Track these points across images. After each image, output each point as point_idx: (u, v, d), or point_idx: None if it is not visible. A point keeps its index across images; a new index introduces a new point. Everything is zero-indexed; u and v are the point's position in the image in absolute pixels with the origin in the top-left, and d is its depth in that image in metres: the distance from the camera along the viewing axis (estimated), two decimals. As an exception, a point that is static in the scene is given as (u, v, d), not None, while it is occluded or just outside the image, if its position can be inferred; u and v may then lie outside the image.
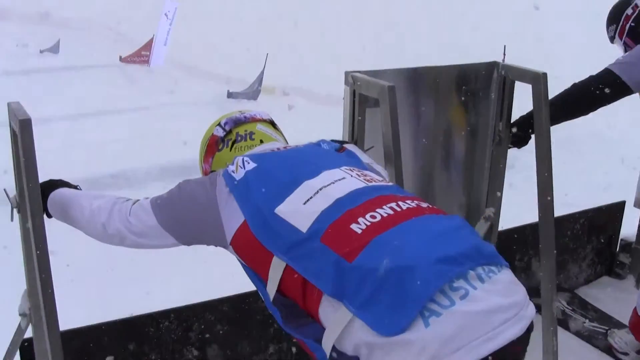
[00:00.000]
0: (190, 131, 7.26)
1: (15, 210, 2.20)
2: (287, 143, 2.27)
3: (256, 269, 1.78)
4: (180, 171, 6.19)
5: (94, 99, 15.31)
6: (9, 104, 2.21)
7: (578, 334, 3.58)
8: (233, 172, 1.84)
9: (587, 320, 3.62)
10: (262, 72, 12.57)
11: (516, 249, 3.74)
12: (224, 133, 2.17)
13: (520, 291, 1.60)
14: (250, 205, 1.75)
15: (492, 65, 3.12)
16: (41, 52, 25.13)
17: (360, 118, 2.78)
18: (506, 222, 3.64)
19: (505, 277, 1.59)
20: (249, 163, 1.85)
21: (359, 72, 2.79)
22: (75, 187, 2.26)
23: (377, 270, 1.50)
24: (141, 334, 2.86)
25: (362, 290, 1.50)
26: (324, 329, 1.59)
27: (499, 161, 3.21)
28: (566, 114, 3.07)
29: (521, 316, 1.53)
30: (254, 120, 2.21)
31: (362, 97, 2.75)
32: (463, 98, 3.11)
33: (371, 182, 1.82)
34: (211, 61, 16.50)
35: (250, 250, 1.76)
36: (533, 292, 3.58)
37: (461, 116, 3.15)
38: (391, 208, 1.67)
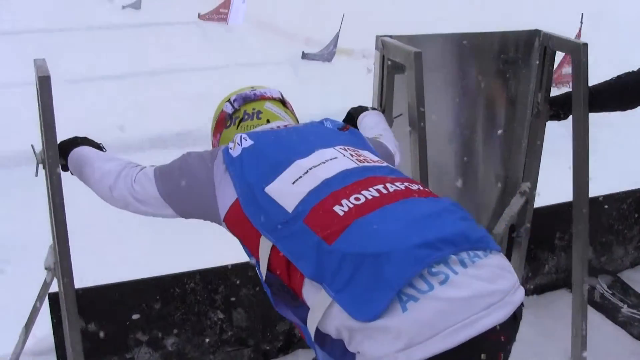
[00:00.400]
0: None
1: (40, 166, 2.26)
2: (297, 122, 2.26)
3: (249, 247, 1.79)
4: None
5: (171, 57, 15.58)
6: (35, 61, 2.26)
7: (614, 319, 3.44)
8: (231, 149, 1.84)
9: (625, 306, 3.47)
10: (338, 34, 12.47)
11: (556, 227, 3.61)
12: (232, 110, 2.19)
13: (508, 276, 1.54)
14: (243, 183, 1.75)
15: (534, 34, 3.00)
16: (123, 7, 25.73)
17: (388, 84, 2.72)
18: (559, 195, 3.52)
19: (492, 262, 1.53)
20: (246, 140, 1.85)
21: (390, 36, 2.72)
22: (99, 145, 2.27)
23: (354, 255, 1.48)
24: (167, 294, 2.90)
25: (340, 275, 1.48)
26: (309, 309, 1.58)
27: (536, 134, 3.09)
28: (607, 105, 2.92)
29: (506, 302, 1.47)
30: (263, 98, 2.20)
31: (391, 62, 2.68)
32: (502, 67, 3.01)
33: (363, 162, 1.79)
34: (290, 20, 16.51)
35: (242, 229, 1.77)
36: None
37: (500, 86, 3.05)
38: (377, 190, 1.64)
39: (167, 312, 2.91)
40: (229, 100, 2.21)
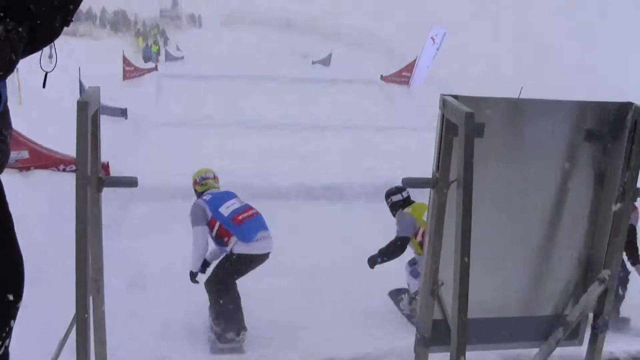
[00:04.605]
0: (424, 155, 7.53)
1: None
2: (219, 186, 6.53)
3: (212, 230, 5.93)
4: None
5: (348, 113, 16.04)
6: (88, 88, 2.44)
7: None
8: (205, 199, 6.13)
9: None
10: None
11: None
12: (199, 181, 6.44)
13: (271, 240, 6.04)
14: (213, 209, 6.01)
15: (626, 107, 2.72)
16: (313, 63, 27.13)
17: (445, 145, 2.60)
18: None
19: (270, 235, 6.03)
20: (209, 196, 6.17)
21: (455, 96, 2.61)
22: None
23: (242, 229, 5.85)
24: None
25: (238, 233, 5.82)
26: (227, 246, 5.88)
27: (620, 217, 2.78)
28: None
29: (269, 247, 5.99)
30: (213, 177, 6.48)
31: (449, 122, 2.57)
32: (584, 140, 2.75)
33: (243, 202, 6.19)
34: (474, 88, 16.37)
35: (212, 225, 5.95)
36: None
37: (583, 161, 2.79)
38: (250, 212, 6.04)
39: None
40: (196, 178, 6.47)
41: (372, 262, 6.23)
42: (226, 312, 5.66)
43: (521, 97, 13.28)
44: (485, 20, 23.89)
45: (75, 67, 14.26)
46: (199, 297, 5.81)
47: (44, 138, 8.88)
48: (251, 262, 5.69)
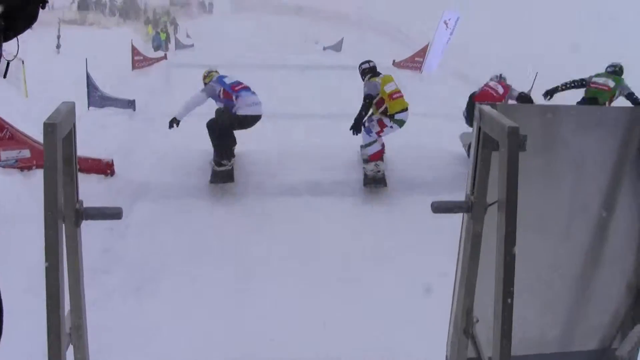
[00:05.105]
0: (438, 144, 7.00)
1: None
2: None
3: (219, 95, 8.53)
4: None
5: (359, 101, 15.62)
6: (61, 104, 2.10)
7: None
8: (214, 80, 8.69)
9: None
10: (529, 92, 11.85)
11: None
12: (206, 74, 9.03)
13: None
14: (219, 81, 8.56)
15: (688, 114, 2.37)
16: (324, 49, 26.79)
17: (482, 162, 2.26)
18: None
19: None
20: (219, 77, 8.77)
21: (493, 104, 2.27)
22: None
23: (238, 94, 8.44)
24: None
25: (238, 100, 8.41)
26: (234, 102, 8.47)
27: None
28: None
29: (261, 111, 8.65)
30: (214, 71, 9.04)
31: (486, 136, 2.23)
32: (638, 151, 2.40)
33: (242, 83, 8.70)
34: (484, 73, 15.96)
35: (220, 92, 8.50)
36: None
37: (633, 174, 2.45)
38: (243, 85, 8.56)
39: None
40: (204, 74, 9.04)
41: (357, 125, 8.54)
42: (222, 147, 8.41)
43: (536, 83, 12.87)
44: (500, 4, 23.41)
45: (82, 57, 13.89)
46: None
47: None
48: (245, 119, 8.38)
